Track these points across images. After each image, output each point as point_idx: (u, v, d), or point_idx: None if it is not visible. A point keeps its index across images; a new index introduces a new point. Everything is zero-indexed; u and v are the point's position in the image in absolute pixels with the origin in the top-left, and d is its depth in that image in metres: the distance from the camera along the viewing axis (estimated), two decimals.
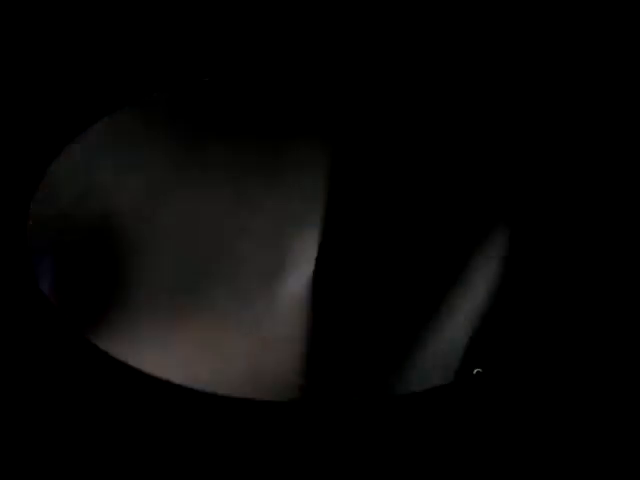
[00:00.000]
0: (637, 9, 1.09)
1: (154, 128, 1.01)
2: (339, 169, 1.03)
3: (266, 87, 1.06)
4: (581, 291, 0.93)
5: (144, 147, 1.01)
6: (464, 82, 1.06)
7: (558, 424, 0.84)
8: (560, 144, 1.01)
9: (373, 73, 1.07)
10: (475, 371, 0.90)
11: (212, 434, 0.80)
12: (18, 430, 0.80)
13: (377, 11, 1.10)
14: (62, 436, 0.80)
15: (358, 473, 0.80)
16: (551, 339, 0.91)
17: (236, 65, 1.07)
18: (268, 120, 1.05)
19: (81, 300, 0.94)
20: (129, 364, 0.81)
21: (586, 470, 0.81)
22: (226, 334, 0.98)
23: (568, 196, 0.98)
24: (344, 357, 0.95)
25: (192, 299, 0.99)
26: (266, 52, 1.07)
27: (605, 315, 0.90)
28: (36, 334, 0.86)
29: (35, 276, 0.91)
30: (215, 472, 0.79)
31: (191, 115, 1.03)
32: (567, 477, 0.82)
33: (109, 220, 0.99)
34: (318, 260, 1.02)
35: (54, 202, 0.97)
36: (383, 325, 0.97)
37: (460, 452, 0.82)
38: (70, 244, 0.97)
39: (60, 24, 1.10)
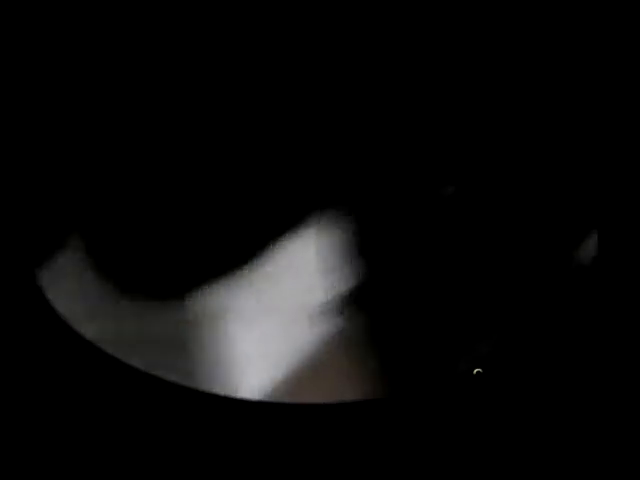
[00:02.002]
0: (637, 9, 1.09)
1: None
2: None
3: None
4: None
5: None
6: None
7: (558, 424, 0.84)
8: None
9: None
10: (475, 371, 0.90)
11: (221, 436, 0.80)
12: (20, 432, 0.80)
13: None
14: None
15: (363, 472, 0.80)
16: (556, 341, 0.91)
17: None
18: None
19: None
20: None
21: (586, 470, 0.81)
22: None
23: None
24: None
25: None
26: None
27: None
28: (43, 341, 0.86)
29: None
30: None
31: None
32: (567, 477, 0.81)
33: None
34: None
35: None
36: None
37: (461, 451, 0.82)
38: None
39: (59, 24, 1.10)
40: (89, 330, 0.89)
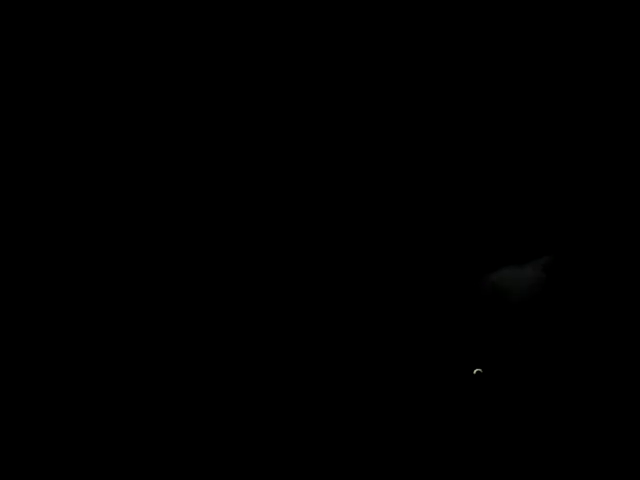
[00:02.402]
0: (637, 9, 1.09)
1: None
2: None
3: None
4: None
5: None
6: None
7: (559, 424, 0.84)
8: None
9: None
10: (475, 371, 0.90)
11: None
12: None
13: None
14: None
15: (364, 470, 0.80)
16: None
17: None
18: None
19: None
20: None
21: (586, 470, 0.81)
22: None
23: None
24: None
25: None
26: None
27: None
28: None
29: None
30: None
31: None
32: (567, 477, 0.82)
33: None
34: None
35: None
36: None
37: (461, 450, 0.82)
38: None
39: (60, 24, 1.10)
40: None
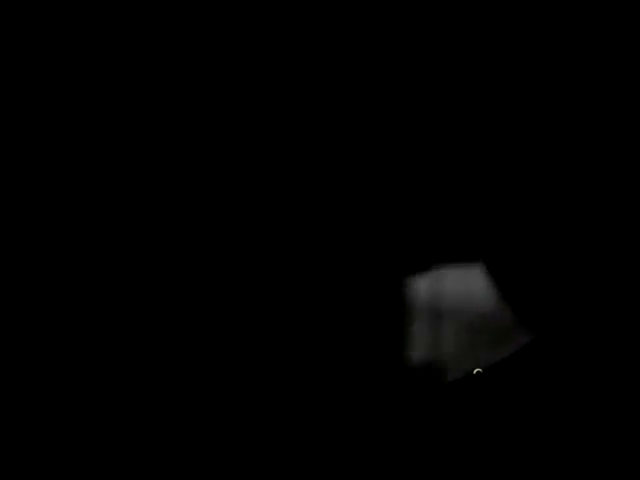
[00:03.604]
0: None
1: None
2: None
3: None
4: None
5: None
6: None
7: (559, 424, 0.84)
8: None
9: None
10: (475, 371, 0.90)
11: None
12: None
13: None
14: None
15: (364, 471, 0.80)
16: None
17: None
18: None
19: None
20: None
21: (586, 470, 0.81)
22: None
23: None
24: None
25: None
26: None
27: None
28: None
29: None
30: None
31: None
32: (567, 477, 0.82)
33: None
34: None
35: None
36: None
37: (460, 451, 0.82)
38: None
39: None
40: None
